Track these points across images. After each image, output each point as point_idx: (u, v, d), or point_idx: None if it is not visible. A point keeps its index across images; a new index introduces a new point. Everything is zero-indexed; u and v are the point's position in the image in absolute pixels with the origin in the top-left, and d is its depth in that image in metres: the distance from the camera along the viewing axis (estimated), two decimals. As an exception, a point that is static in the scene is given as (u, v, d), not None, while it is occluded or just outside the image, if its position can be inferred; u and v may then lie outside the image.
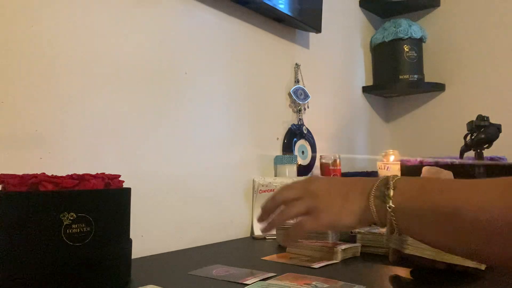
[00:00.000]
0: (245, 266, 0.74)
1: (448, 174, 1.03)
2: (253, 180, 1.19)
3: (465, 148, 1.08)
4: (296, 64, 1.40)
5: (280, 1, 1.24)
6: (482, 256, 0.48)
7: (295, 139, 1.34)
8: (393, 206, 0.51)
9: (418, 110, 1.91)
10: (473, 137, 1.05)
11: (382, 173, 1.24)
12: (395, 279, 0.67)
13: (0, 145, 0.72)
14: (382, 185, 0.53)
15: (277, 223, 0.62)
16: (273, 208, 0.63)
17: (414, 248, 0.64)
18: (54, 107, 0.79)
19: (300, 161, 1.35)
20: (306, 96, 1.39)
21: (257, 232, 1.14)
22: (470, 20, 1.77)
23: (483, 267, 0.65)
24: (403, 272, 0.70)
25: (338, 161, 1.31)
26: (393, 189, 0.52)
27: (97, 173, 0.63)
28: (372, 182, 0.55)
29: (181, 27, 1.04)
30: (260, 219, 0.64)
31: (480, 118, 1.05)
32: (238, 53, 1.20)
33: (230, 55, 1.17)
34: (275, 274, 0.67)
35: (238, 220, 1.15)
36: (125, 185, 0.67)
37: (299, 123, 1.38)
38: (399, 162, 1.25)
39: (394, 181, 0.53)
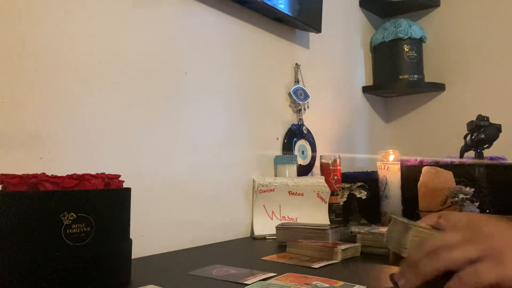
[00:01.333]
0: (245, 266, 0.74)
1: (448, 174, 1.03)
2: (253, 180, 1.19)
3: (465, 148, 1.08)
4: (296, 64, 1.40)
5: (280, 1, 1.24)
6: None
7: (295, 139, 1.34)
8: None
9: (418, 110, 1.91)
10: (473, 137, 1.05)
11: (382, 173, 1.24)
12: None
13: (0, 145, 0.72)
14: None
15: (428, 273, 0.42)
16: (422, 257, 0.44)
17: None
18: (54, 107, 0.79)
19: (300, 161, 1.35)
20: (306, 96, 1.39)
21: (257, 232, 1.14)
22: (470, 20, 1.77)
23: None
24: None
25: (338, 161, 1.31)
26: None
27: (97, 173, 0.63)
28: None
29: (181, 27, 1.04)
30: (401, 273, 0.45)
31: (480, 118, 1.05)
32: (238, 53, 1.20)
33: (230, 55, 1.17)
34: (275, 274, 0.67)
35: (238, 220, 1.15)
36: (125, 185, 0.67)
37: (299, 123, 1.38)
38: (399, 162, 1.25)
39: None
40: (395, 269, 0.70)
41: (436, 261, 0.41)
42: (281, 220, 1.18)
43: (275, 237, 1.01)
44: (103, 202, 0.60)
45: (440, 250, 0.42)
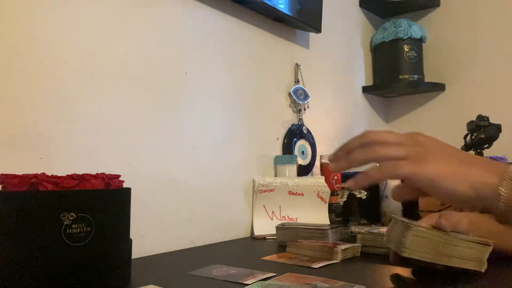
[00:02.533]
0: (245, 266, 0.74)
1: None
2: (253, 180, 1.19)
3: (465, 148, 1.08)
4: (296, 64, 1.40)
5: (280, 1, 1.24)
6: None
7: (295, 139, 1.34)
8: None
9: (418, 110, 1.91)
10: (473, 137, 1.05)
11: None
12: (396, 278, 0.67)
13: (0, 145, 0.72)
14: None
15: (357, 160, 0.46)
16: (357, 146, 0.48)
17: (412, 251, 0.63)
18: (54, 107, 0.79)
19: (300, 161, 1.35)
20: (306, 96, 1.39)
21: (257, 232, 1.14)
22: (470, 20, 1.77)
23: (483, 269, 0.64)
24: (404, 272, 0.70)
25: (338, 161, 1.31)
26: None
27: (97, 173, 0.63)
28: (504, 165, 0.45)
29: (181, 27, 1.04)
30: (335, 156, 0.49)
31: (480, 118, 1.05)
32: (238, 53, 1.20)
33: (230, 55, 1.17)
34: (275, 274, 0.67)
35: (238, 220, 1.15)
36: (125, 185, 0.67)
37: (299, 123, 1.38)
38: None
39: None
40: (395, 269, 0.70)
41: (367, 153, 0.46)
42: (281, 220, 1.18)
43: (275, 237, 1.01)
44: (103, 202, 0.60)
45: (375, 145, 0.46)
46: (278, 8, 1.23)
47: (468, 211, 0.60)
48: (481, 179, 0.44)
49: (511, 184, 0.43)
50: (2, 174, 0.59)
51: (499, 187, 0.43)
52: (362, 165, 0.46)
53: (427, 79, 1.82)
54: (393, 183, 1.22)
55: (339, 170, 0.50)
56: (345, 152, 0.48)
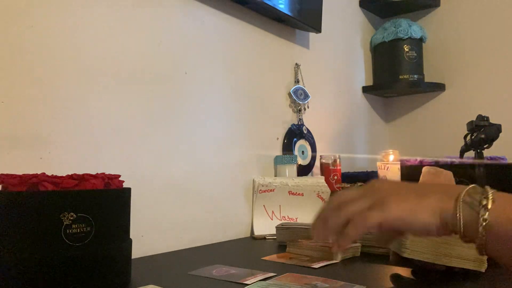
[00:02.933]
0: (245, 266, 0.74)
1: (448, 174, 1.03)
2: (253, 180, 1.19)
3: (465, 148, 1.08)
4: (296, 64, 1.40)
5: (280, 1, 1.24)
6: None
7: (295, 139, 1.34)
8: (488, 219, 0.43)
9: (418, 110, 1.91)
10: (473, 137, 1.05)
11: (382, 173, 1.25)
12: (396, 278, 0.67)
13: (0, 145, 0.72)
14: (477, 192, 0.46)
15: (334, 226, 0.51)
16: (329, 213, 0.52)
17: (412, 251, 0.63)
18: (54, 107, 0.79)
19: (300, 161, 1.35)
20: (306, 96, 1.39)
21: (257, 232, 1.14)
22: (470, 20, 1.77)
23: (483, 269, 0.64)
24: (404, 272, 0.70)
25: (338, 161, 1.31)
26: (492, 201, 0.44)
27: (97, 173, 0.63)
28: (459, 187, 0.47)
29: (181, 27, 1.04)
30: (315, 228, 0.53)
31: (480, 118, 1.04)
32: (238, 53, 1.20)
33: (230, 55, 1.17)
34: (275, 274, 0.67)
35: (238, 220, 1.15)
36: (125, 185, 0.67)
37: (299, 123, 1.38)
38: (399, 162, 1.25)
39: (493, 192, 0.45)
40: (395, 269, 0.70)
41: (339, 216, 0.50)
42: (281, 220, 1.18)
43: (275, 237, 1.01)
44: (103, 202, 0.60)
45: (342, 205, 0.51)
46: (278, 8, 1.23)
47: None
48: (440, 205, 0.46)
49: (464, 205, 0.45)
50: (2, 174, 0.59)
51: (457, 212, 0.45)
52: (340, 229, 0.50)
53: (427, 79, 1.82)
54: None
55: (322, 239, 0.55)
56: (322, 221, 0.53)
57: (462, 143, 1.08)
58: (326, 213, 0.52)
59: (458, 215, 0.45)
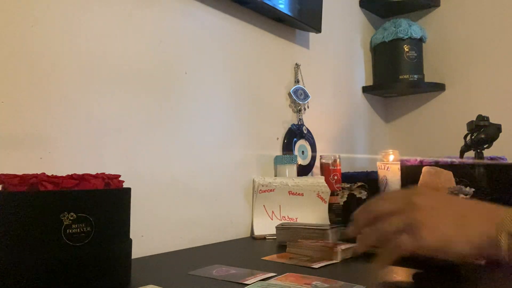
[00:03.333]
0: (245, 266, 0.74)
1: (448, 174, 1.03)
2: (253, 180, 1.19)
3: (465, 148, 1.08)
4: (296, 64, 1.40)
5: (280, 1, 1.24)
6: None
7: (295, 139, 1.34)
8: None
9: (418, 110, 1.91)
10: (473, 137, 1.05)
11: (382, 173, 1.24)
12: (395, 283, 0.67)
13: (0, 145, 0.72)
14: None
15: (369, 242, 0.53)
16: (365, 222, 0.53)
17: None
18: (54, 107, 0.79)
19: (300, 161, 1.35)
20: (306, 96, 1.39)
21: (257, 232, 1.14)
22: (470, 20, 1.77)
23: (483, 261, 0.65)
24: (404, 272, 0.70)
25: (338, 161, 1.31)
26: None
27: (97, 173, 0.63)
28: (502, 211, 0.46)
29: (181, 27, 1.04)
30: (353, 232, 0.55)
31: (480, 118, 1.04)
32: (238, 53, 1.20)
33: (230, 55, 1.17)
34: (275, 274, 0.67)
35: (238, 220, 1.15)
36: (125, 185, 0.67)
37: (299, 123, 1.38)
38: (399, 162, 1.25)
39: None
40: (395, 269, 0.70)
41: (373, 235, 0.52)
42: (281, 220, 1.18)
43: (275, 237, 1.01)
44: (103, 202, 0.60)
45: (378, 220, 0.51)
46: (278, 8, 1.23)
47: None
48: (480, 233, 0.45)
49: (509, 237, 0.44)
50: (2, 174, 0.59)
51: (498, 240, 0.44)
52: (373, 243, 0.53)
53: (427, 79, 1.82)
54: (393, 184, 1.22)
55: (362, 250, 0.56)
56: (358, 229, 0.55)
57: (462, 143, 1.08)
58: (361, 222, 0.53)
59: (500, 243, 0.44)
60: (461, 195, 0.90)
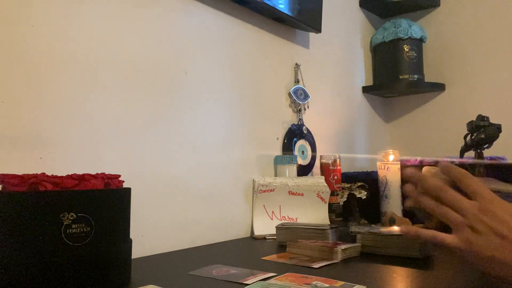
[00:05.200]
0: (245, 266, 0.74)
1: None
2: (253, 180, 1.19)
3: (465, 148, 1.08)
4: (296, 64, 1.40)
5: (280, 1, 1.24)
6: None
7: (295, 139, 1.35)
8: None
9: (418, 110, 1.91)
10: (473, 137, 1.05)
11: (382, 173, 1.24)
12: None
13: (0, 145, 0.72)
14: None
15: (426, 206, 0.55)
16: (428, 189, 0.56)
17: None
18: (54, 107, 0.79)
19: (300, 161, 1.35)
20: (306, 96, 1.39)
21: (257, 232, 1.14)
22: (470, 20, 1.77)
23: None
24: (404, 271, 0.70)
25: (338, 161, 1.31)
26: None
27: (97, 173, 0.63)
28: None
29: (181, 27, 1.04)
30: (409, 187, 0.58)
31: (480, 118, 1.05)
32: (238, 53, 1.20)
33: (230, 55, 1.17)
34: (275, 274, 0.67)
35: (238, 220, 1.15)
36: (125, 185, 0.67)
37: (299, 123, 1.38)
38: (399, 162, 1.25)
39: None
40: (395, 269, 0.70)
41: (435, 208, 0.54)
42: (281, 220, 1.18)
43: (275, 237, 1.01)
44: (103, 202, 0.60)
45: (444, 202, 0.54)
46: (278, 8, 1.23)
47: None
48: None
49: None
50: (2, 174, 0.59)
51: None
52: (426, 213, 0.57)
53: (427, 79, 1.82)
54: (393, 184, 1.22)
55: (410, 205, 0.59)
56: (413, 187, 0.57)
57: (462, 143, 1.08)
58: (426, 188, 0.56)
59: None
60: None
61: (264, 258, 0.83)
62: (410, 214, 1.12)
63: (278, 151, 1.31)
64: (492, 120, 1.05)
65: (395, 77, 1.77)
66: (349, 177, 1.34)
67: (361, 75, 1.82)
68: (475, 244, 0.51)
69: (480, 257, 0.51)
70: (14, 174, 0.59)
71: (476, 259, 0.51)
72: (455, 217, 0.53)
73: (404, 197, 1.19)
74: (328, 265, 0.75)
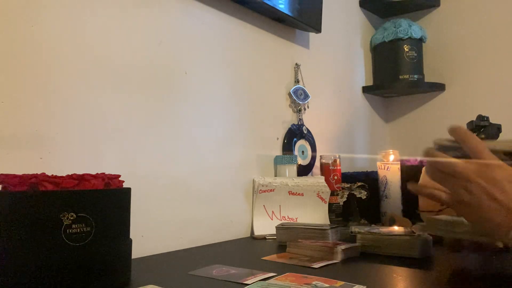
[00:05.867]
0: (245, 266, 0.74)
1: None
2: (253, 180, 1.19)
3: (465, 148, 1.07)
4: (296, 64, 1.40)
5: (280, 1, 1.24)
6: None
7: (295, 139, 1.34)
8: None
9: (418, 110, 1.91)
10: (473, 137, 1.05)
11: (382, 173, 1.24)
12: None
13: (0, 145, 0.72)
14: None
15: (431, 174, 0.60)
16: (436, 168, 0.60)
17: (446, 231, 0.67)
18: (54, 107, 0.79)
19: (300, 161, 1.35)
20: (306, 96, 1.39)
21: (257, 232, 1.14)
22: (470, 20, 1.77)
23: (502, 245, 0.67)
24: (404, 271, 0.70)
25: (338, 161, 1.31)
26: None
27: (97, 173, 0.63)
28: None
29: (181, 27, 1.04)
30: (428, 165, 0.62)
31: (480, 118, 1.05)
32: (238, 53, 1.20)
33: (230, 55, 1.17)
34: (275, 274, 0.67)
35: (238, 220, 1.15)
36: (125, 185, 0.67)
37: (299, 123, 1.38)
38: (399, 162, 1.25)
39: None
40: (395, 269, 0.70)
41: (438, 174, 0.59)
42: (281, 220, 1.18)
43: (275, 237, 1.01)
44: (103, 202, 0.60)
45: (451, 180, 0.57)
46: (278, 8, 1.23)
47: None
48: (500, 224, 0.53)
49: None
50: (2, 174, 0.59)
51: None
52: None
53: (427, 79, 1.82)
54: (393, 184, 1.22)
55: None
56: (432, 166, 0.60)
57: (462, 143, 1.08)
58: (435, 179, 0.60)
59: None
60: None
61: (264, 258, 0.83)
62: (410, 214, 1.12)
63: (278, 151, 1.31)
64: (492, 120, 1.05)
65: (395, 77, 1.77)
66: (349, 177, 1.34)
67: (361, 75, 1.82)
68: (467, 204, 0.55)
69: (472, 216, 0.55)
70: (14, 174, 0.59)
71: (468, 216, 0.55)
72: (447, 183, 0.57)
73: (404, 197, 1.19)
74: (328, 265, 0.75)
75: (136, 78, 0.93)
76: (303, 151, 1.37)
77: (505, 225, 0.53)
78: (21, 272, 0.54)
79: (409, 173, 1.21)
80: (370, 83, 1.86)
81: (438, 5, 1.85)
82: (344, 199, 1.23)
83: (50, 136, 0.78)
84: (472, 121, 1.06)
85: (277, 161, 1.27)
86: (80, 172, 0.63)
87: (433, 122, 1.86)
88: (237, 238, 1.12)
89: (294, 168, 1.26)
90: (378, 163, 1.27)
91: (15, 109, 0.74)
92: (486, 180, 0.55)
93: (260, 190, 1.17)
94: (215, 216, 1.08)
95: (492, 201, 0.54)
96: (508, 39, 1.69)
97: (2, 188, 0.58)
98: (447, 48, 1.83)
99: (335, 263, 0.77)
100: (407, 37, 1.74)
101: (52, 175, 0.60)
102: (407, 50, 1.75)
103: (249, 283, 0.63)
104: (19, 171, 0.61)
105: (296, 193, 1.20)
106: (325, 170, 1.31)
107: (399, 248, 0.81)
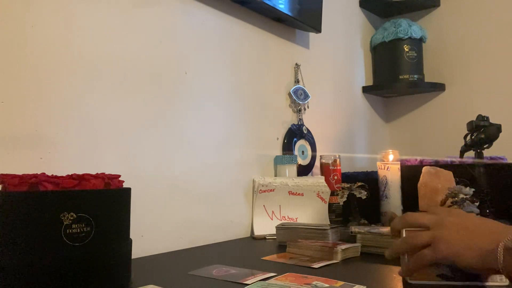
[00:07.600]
0: (245, 266, 0.74)
1: (448, 174, 1.03)
2: (253, 180, 1.19)
3: (465, 148, 1.08)
4: (296, 64, 1.40)
5: (280, 1, 1.24)
6: None
7: (295, 139, 1.34)
8: None
9: (418, 110, 1.91)
10: (473, 137, 1.05)
11: (382, 173, 1.24)
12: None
13: (0, 145, 0.72)
14: None
15: (399, 251, 0.63)
16: (401, 238, 0.63)
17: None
18: (54, 107, 0.79)
19: (300, 161, 1.35)
20: (306, 96, 1.39)
21: (257, 232, 1.14)
22: (470, 20, 1.77)
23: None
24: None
25: (338, 161, 1.31)
26: None
27: (97, 173, 0.63)
28: (502, 227, 0.56)
29: (181, 27, 1.04)
30: (393, 248, 0.65)
31: (480, 118, 1.05)
32: (238, 53, 1.20)
33: (230, 55, 1.17)
34: (275, 274, 0.67)
35: (238, 220, 1.15)
36: (125, 185, 0.67)
37: (299, 123, 1.38)
38: (399, 162, 1.25)
39: None
40: (395, 269, 0.70)
41: (405, 244, 0.61)
42: (281, 220, 1.18)
43: (275, 237, 1.01)
44: (103, 202, 0.60)
45: (409, 238, 0.62)
46: (278, 8, 1.23)
47: None
48: (482, 247, 0.54)
49: (505, 249, 0.52)
50: (2, 174, 0.59)
51: (497, 256, 0.53)
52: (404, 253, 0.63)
53: (427, 79, 1.82)
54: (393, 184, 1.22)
55: (392, 257, 0.65)
56: (395, 232, 0.66)
57: (462, 143, 1.08)
58: (396, 230, 0.65)
59: (498, 256, 0.52)
60: (461, 195, 0.90)
61: (264, 258, 0.83)
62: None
63: (278, 151, 1.31)
64: (492, 120, 1.05)
65: (395, 77, 1.77)
66: (349, 177, 1.34)
67: (361, 75, 1.82)
68: (445, 239, 0.57)
69: (450, 249, 0.56)
70: (14, 174, 0.59)
71: (447, 251, 0.57)
72: (423, 238, 0.60)
73: (404, 197, 1.19)
74: (328, 265, 0.75)
75: (136, 78, 0.93)
76: (303, 151, 1.37)
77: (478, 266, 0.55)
78: (21, 272, 0.54)
79: (409, 173, 1.21)
80: (370, 83, 1.86)
81: (438, 5, 1.85)
82: (344, 199, 1.22)
83: (50, 136, 0.78)
84: (472, 121, 1.06)
85: (277, 161, 1.27)
86: (80, 172, 0.63)
87: (433, 122, 1.86)
88: (237, 238, 1.12)
89: (294, 168, 1.26)
90: (378, 163, 1.27)
91: (15, 109, 0.74)
92: (455, 216, 0.60)
93: (260, 190, 1.17)
94: (215, 216, 1.08)
95: (466, 231, 0.57)
96: (508, 39, 1.69)
97: (2, 188, 0.58)
98: (447, 48, 1.83)
99: (335, 263, 0.77)
100: (407, 37, 1.74)
101: (52, 175, 0.60)
102: (407, 50, 1.75)
103: (249, 283, 0.63)
104: (19, 171, 0.61)
105: (296, 193, 1.20)
106: (325, 170, 1.30)
107: (399, 248, 0.81)
